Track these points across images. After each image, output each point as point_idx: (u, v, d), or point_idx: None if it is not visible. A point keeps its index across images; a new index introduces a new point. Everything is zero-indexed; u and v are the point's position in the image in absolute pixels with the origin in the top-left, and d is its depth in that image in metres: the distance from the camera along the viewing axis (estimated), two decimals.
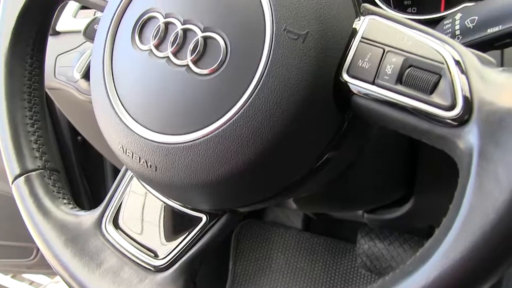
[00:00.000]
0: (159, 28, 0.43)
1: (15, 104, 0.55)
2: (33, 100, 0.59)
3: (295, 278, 1.26)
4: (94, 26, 0.70)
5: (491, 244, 0.30)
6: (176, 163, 0.41)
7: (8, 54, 0.55)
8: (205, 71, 0.40)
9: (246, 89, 0.38)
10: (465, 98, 0.34)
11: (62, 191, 0.57)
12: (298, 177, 0.43)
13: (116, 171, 1.30)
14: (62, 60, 0.87)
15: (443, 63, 0.36)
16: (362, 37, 0.39)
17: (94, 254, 0.49)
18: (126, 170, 0.54)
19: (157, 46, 0.44)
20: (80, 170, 1.33)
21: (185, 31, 0.42)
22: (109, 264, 0.48)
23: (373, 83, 0.38)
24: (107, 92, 0.46)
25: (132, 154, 0.44)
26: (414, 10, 0.85)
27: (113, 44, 0.47)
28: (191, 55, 0.41)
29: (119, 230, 0.50)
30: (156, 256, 0.49)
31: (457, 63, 0.35)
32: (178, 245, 0.48)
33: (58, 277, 0.51)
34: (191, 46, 0.41)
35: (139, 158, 0.43)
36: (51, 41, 0.62)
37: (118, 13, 0.47)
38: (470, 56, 0.36)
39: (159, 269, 0.48)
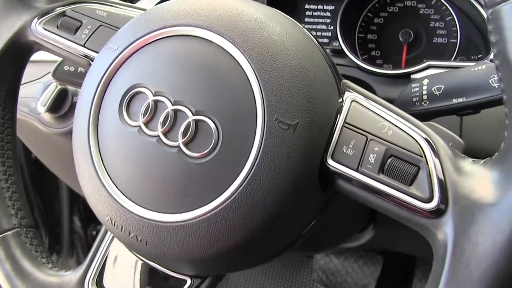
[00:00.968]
0: (149, 106, 0.44)
1: None
2: (6, 154, 0.57)
3: None
4: (64, 67, 0.69)
5: None
6: (168, 240, 0.41)
7: None
8: (197, 155, 0.41)
9: (238, 176, 0.40)
10: (442, 192, 0.37)
11: (40, 249, 0.56)
12: (284, 247, 0.45)
13: (71, 189, 1.28)
14: (25, 91, 0.84)
15: (421, 156, 0.39)
16: (345, 122, 0.42)
17: None
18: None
19: (146, 124, 0.44)
20: (33, 187, 1.29)
21: (175, 111, 0.43)
22: None
23: (357, 170, 0.40)
24: (93, 164, 0.46)
25: (122, 228, 0.44)
26: (380, 61, 0.89)
27: (98, 116, 0.47)
28: (183, 137, 0.42)
29: None
30: None
31: (434, 155, 0.38)
32: None
33: None
34: (182, 128, 0.42)
35: (129, 232, 0.44)
36: None
37: (103, 85, 0.48)
38: (446, 150, 0.39)
39: None
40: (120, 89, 0.46)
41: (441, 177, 0.37)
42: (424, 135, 0.40)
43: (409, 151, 0.39)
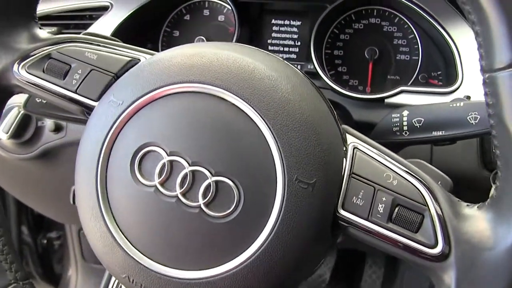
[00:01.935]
0: (164, 166, 0.43)
1: None
2: None
3: None
4: (36, 99, 0.65)
5: None
6: None
7: None
8: (219, 214, 0.42)
9: (260, 234, 0.41)
10: (445, 238, 0.40)
11: None
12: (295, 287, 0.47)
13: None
14: None
15: (425, 205, 0.41)
16: (353, 173, 0.44)
17: None
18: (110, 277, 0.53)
19: (162, 184, 0.44)
20: None
21: (193, 172, 0.42)
22: None
23: (367, 219, 0.42)
24: (105, 223, 0.44)
25: (142, 285, 0.44)
26: (347, 77, 0.92)
27: (106, 174, 0.46)
28: (203, 198, 0.42)
29: None
30: None
31: (436, 204, 0.41)
32: None
33: None
34: (202, 189, 0.42)
35: None
36: None
37: (109, 141, 0.46)
38: (444, 197, 0.42)
39: None
40: (130, 147, 0.45)
41: (443, 224, 0.40)
42: (425, 183, 0.43)
43: (414, 200, 0.42)
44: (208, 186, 0.42)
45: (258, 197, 0.41)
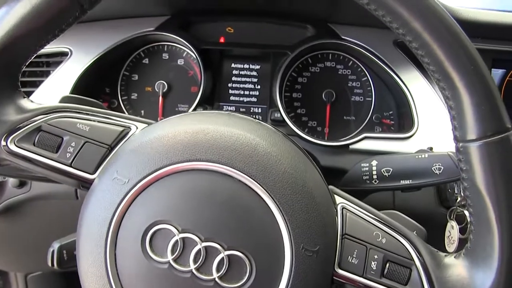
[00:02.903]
0: (177, 243, 0.44)
1: None
2: None
3: None
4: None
5: None
6: None
7: None
8: (233, 286, 0.44)
9: None
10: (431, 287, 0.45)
11: None
12: None
13: None
14: None
15: (411, 260, 0.46)
16: (346, 234, 0.47)
17: None
18: None
19: (176, 260, 0.44)
20: None
21: (206, 247, 0.44)
22: None
23: (362, 276, 0.46)
24: None
25: None
26: (306, 119, 0.95)
27: (115, 252, 0.46)
28: (218, 271, 0.43)
29: None
30: None
31: (420, 257, 0.46)
32: None
33: None
34: (216, 263, 0.44)
35: None
36: None
37: (116, 220, 0.46)
38: (426, 250, 0.47)
39: None
40: (139, 225, 0.45)
41: (428, 275, 0.46)
42: (409, 239, 0.48)
43: (401, 256, 0.47)
44: (222, 260, 0.43)
45: (269, 267, 0.44)
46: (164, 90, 0.95)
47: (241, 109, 0.97)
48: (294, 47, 0.91)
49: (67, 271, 0.56)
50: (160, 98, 0.96)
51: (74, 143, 0.51)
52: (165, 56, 0.98)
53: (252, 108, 0.97)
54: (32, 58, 0.52)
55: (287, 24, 0.95)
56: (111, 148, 0.51)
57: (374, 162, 0.71)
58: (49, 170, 0.51)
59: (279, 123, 0.90)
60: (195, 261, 0.44)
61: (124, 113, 0.96)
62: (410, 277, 0.46)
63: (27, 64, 0.52)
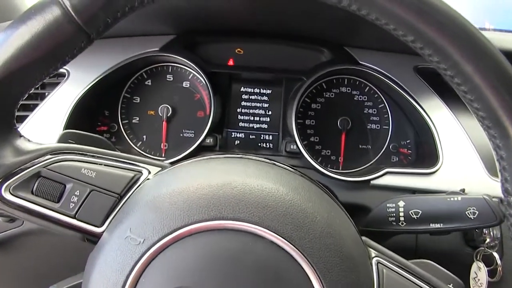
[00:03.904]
0: None
1: None
2: None
3: None
4: None
5: None
6: None
7: None
8: None
9: None
10: None
11: None
12: None
13: None
14: None
15: None
16: None
17: None
18: None
19: None
20: None
21: None
22: None
23: None
24: None
25: None
26: (319, 147, 0.89)
27: None
28: None
29: None
30: None
31: None
32: None
33: None
34: None
35: None
36: None
37: (131, 284, 0.40)
38: None
39: None
40: None
41: None
42: None
43: None
44: None
45: None
46: (168, 114, 0.89)
47: (250, 136, 0.91)
48: (310, 73, 0.86)
49: None
50: (164, 122, 0.89)
51: (78, 191, 0.44)
52: (170, 77, 0.91)
53: (262, 135, 0.91)
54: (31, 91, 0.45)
55: (301, 47, 0.89)
56: (120, 197, 0.45)
57: (401, 203, 0.66)
58: (50, 222, 0.44)
59: (294, 155, 0.84)
60: None
61: (124, 138, 0.90)
62: None
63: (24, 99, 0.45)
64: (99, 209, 0.44)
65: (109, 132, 0.91)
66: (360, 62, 0.87)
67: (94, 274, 0.41)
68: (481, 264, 0.76)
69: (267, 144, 0.91)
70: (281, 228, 0.39)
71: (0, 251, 0.78)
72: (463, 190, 0.70)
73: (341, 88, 0.91)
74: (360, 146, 0.91)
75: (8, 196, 0.43)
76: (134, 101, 0.91)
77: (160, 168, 0.48)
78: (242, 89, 0.92)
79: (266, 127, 0.92)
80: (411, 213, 0.64)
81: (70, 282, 0.50)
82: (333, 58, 0.87)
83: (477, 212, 0.61)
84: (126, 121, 0.91)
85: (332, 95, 0.91)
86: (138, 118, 0.91)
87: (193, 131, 0.90)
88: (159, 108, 0.89)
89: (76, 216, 0.43)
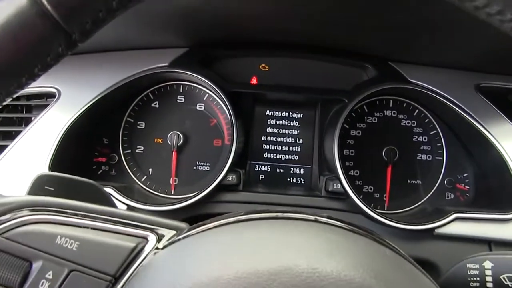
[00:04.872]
0: None
1: None
2: None
3: None
4: None
5: None
6: None
7: None
8: None
9: None
10: None
11: None
12: None
13: None
14: None
15: None
16: None
17: None
18: None
19: None
20: None
21: None
22: None
23: None
24: None
25: None
26: (360, 182, 0.74)
27: None
28: None
29: None
30: None
31: None
32: None
33: None
34: None
35: None
36: None
37: None
38: None
39: None
40: None
41: None
42: None
43: None
44: None
45: None
46: (179, 143, 0.74)
47: (278, 170, 0.76)
48: (352, 93, 0.71)
49: None
50: (174, 153, 0.74)
51: (51, 272, 0.29)
52: (181, 99, 0.77)
53: (292, 169, 0.76)
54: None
55: (339, 62, 0.74)
56: (115, 280, 0.29)
57: (487, 264, 0.50)
58: None
59: (336, 196, 0.68)
60: None
61: (126, 171, 0.75)
62: None
63: None
64: None
65: (109, 164, 0.76)
66: (410, 80, 0.72)
67: None
68: None
69: (298, 179, 0.76)
70: None
71: None
72: None
73: (385, 111, 0.76)
74: (409, 181, 0.76)
75: None
76: (138, 126, 0.76)
77: (173, 233, 0.32)
78: (267, 112, 0.77)
79: (296, 158, 0.76)
80: (504, 278, 0.49)
81: None
82: (378, 75, 0.72)
83: None
84: (129, 150, 0.76)
85: (374, 119, 0.76)
86: (143, 148, 0.76)
87: (208, 164, 0.75)
88: (168, 135, 0.75)
89: None
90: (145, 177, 0.75)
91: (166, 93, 0.77)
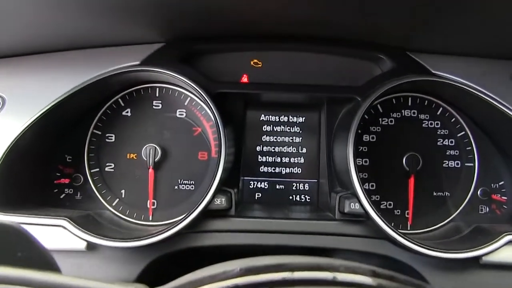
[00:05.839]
0: None
1: None
2: None
3: None
4: None
5: None
6: None
7: None
8: None
9: None
10: None
11: None
12: None
13: None
14: None
15: None
16: None
17: None
18: None
19: None
20: None
21: None
22: None
23: None
24: None
25: None
26: (377, 197, 0.62)
27: None
28: None
29: None
30: None
31: None
32: None
33: None
34: None
35: None
36: None
37: None
38: None
39: None
40: None
41: None
42: None
43: None
44: None
45: None
46: (156, 159, 0.61)
47: (277, 186, 0.63)
48: (367, 90, 0.58)
49: None
50: (150, 170, 0.61)
51: None
52: (157, 104, 0.64)
53: (295, 184, 0.64)
54: None
55: (348, 54, 0.62)
56: None
57: None
58: None
59: (354, 217, 0.55)
60: None
61: (94, 194, 0.62)
62: None
63: None
64: None
65: (73, 187, 0.62)
66: (433, 72, 0.59)
67: None
68: None
69: (303, 197, 0.63)
70: None
71: None
72: None
73: (403, 111, 0.64)
74: (435, 194, 0.63)
75: None
76: (107, 140, 0.63)
77: None
78: (262, 117, 0.65)
79: (299, 171, 0.64)
80: None
81: None
82: (395, 67, 0.60)
83: None
84: (97, 169, 0.63)
85: (391, 121, 0.64)
86: (113, 165, 0.63)
87: (192, 182, 0.62)
88: (143, 149, 0.62)
89: None
90: (117, 200, 0.62)
91: (139, 98, 0.64)
